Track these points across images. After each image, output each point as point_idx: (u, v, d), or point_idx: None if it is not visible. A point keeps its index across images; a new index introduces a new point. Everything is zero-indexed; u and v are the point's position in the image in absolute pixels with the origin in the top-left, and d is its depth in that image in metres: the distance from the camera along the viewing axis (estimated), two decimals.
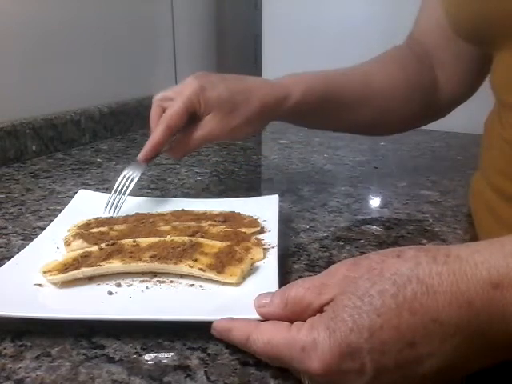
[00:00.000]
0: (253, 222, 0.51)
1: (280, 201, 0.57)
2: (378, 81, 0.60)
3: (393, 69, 0.61)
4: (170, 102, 0.55)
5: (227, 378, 0.32)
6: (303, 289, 0.32)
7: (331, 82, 0.59)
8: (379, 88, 0.60)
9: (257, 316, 0.34)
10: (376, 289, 0.28)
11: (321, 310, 0.30)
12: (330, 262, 0.47)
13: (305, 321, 0.30)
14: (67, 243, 0.46)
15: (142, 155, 0.57)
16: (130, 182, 0.56)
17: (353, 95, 0.60)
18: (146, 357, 0.34)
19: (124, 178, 0.56)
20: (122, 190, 0.56)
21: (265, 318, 0.33)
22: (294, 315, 0.31)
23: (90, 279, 0.41)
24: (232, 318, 0.34)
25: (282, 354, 0.30)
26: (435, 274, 0.27)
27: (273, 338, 0.30)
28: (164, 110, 0.55)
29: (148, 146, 0.56)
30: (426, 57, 0.60)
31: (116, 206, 0.55)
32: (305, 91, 0.56)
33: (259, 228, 0.50)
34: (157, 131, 0.55)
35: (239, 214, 0.54)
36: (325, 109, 0.59)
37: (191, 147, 0.57)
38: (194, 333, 0.36)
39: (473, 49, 0.54)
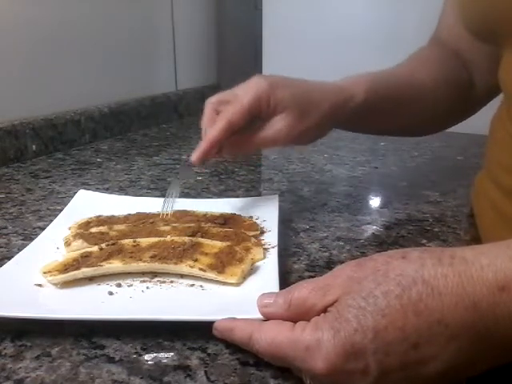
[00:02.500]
0: (252, 225, 0.51)
1: (280, 201, 0.57)
2: (422, 81, 0.58)
3: (432, 68, 0.60)
4: (226, 105, 0.51)
5: (227, 377, 0.32)
6: (307, 290, 0.32)
7: (386, 82, 0.57)
8: (425, 87, 0.58)
9: (258, 316, 0.34)
10: (381, 289, 0.28)
11: (325, 311, 0.30)
12: (329, 262, 0.48)
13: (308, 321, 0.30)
14: (67, 243, 0.46)
15: (195, 156, 0.51)
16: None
17: (405, 95, 0.58)
18: (146, 357, 0.34)
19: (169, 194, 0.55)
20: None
21: (267, 318, 0.33)
22: (298, 316, 0.31)
23: (91, 279, 0.41)
24: (234, 318, 0.34)
25: (285, 354, 0.30)
26: (440, 275, 0.27)
27: (276, 337, 0.30)
28: (218, 114, 0.51)
29: (204, 145, 0.50)
30: (457, 54, 0.59)
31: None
32: (367, 91, 0.53)
33: (258, 232, 0.50)
34: (215, 128, 0.49)
35: (239, 216, 0.54)
36: (383, 109, 0.57)
37: (254, 146, 0.52)
38: (194, 333, 0.36)
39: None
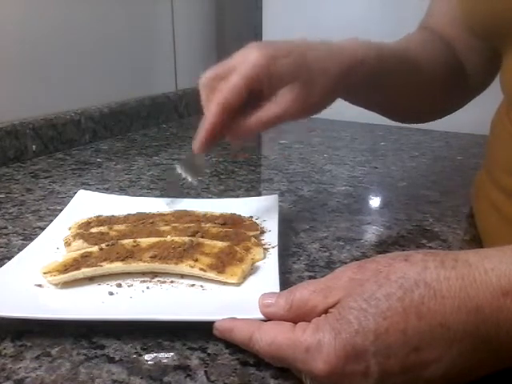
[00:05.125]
0: (252, 225, 0.51)
1: (280, 201, 0.57)
2: (422, 61, 0.55)
3: (429, 51, 0.57)
4: (221, 82, 0.45)
5: (227, 378, 0.32)
6: (308, 291, 0.32)
7: (394, 51, 0.52)
8: (425, 68, 0.55)
9: (258, 316, 0.34)
10: (382, 292, 0.28)
11: (326, 312, 0.30)
12: (329, 262, 0.48)
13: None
14: (67, 243, 0.46)
15: (196, 145, 0.47)
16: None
17: (409, 69, 0.54)
18: (146, 357, 0.34)
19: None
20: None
21: (268, 318, 0.33)
22: (299, 317, 0.31)
23: (91, 279, 0.41)
24: (234, 318, 0.34)
25: (285, 355, 0.30)
26: (443, 278, 0.27)
27: (276, 337, 0.30)
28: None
29: (202, 133, 0.46)
30: (449, 44, 0.58)
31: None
32: (376, 57, 0.48)
33: (258, 232, 0.50)
34: (210, 112, 0.45)
35: (239, 216, 0.54)
36: (391, 76, 0.52)
37: (262, 126, 0.46)
38: (193, 333, 0.36)
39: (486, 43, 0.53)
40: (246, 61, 0.44)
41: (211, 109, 0.45)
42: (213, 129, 0.45)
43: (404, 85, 0.54)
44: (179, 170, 0.49)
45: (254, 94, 0.45)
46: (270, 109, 0.45)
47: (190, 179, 0.49)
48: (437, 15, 0.61)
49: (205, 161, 0.47)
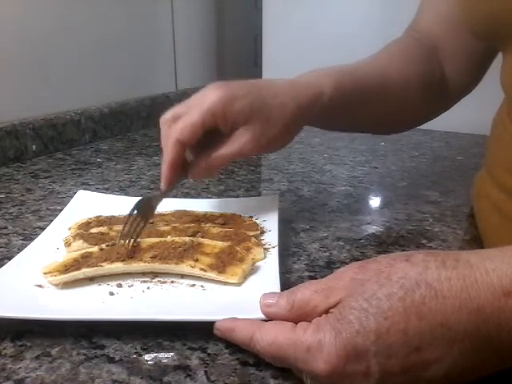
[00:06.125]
0: (252, 225, 0.51)
1: (280, 201, 0.57)
2: (392, 76, 0.56)
3: (403, 63, 0.58)
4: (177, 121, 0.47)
5: (227, 377, 0.32)
6: (310, 291, 0.32)
7: (355, 77, 0.54)
8: (394, 83, 0.56)
9: (259, 316, 0.34)
10: (383, 292, 0.28)
11: (327, 312, 0.30)
12: (329, 262, 0.48)
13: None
14: (67, 244, 0.46)
15: (162, 184, 0.49)
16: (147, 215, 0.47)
17: (373, 90, 0.55)
18: (146, 357, 0.34)
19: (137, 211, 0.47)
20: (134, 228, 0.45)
21: (269, 318, 0.33)
22: (300, 318, 0.31)
23: (91, 280, 0.41)
24: (235, 318, 0.34)
25: (286, 355, 0.30)
26: (444, 278, 0.27)
27: (277, 337, 0.30)
28: None
29: (164, 174, 0.48)
30: (433, 48, 0.59)
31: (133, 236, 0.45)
32: (335, 86, 0.50)
33: (259, 232, 0.50)
34: (166, 150, 0.47)
35: (239, 216, 0.54)
36: (352, 105, 0.53)
37: (216, 165, 0.48)
38: (193, 333, 0.36)
39: (479, 41, 0.53)
40: (202, 102, 0.46)
41: (168, 145, 0.47)
42: (172, 165, 0.47)
43: (370, 108, 0.56)
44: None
45: (214, 133, 0.47)
46: (226, 148, 0.47)
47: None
48: (425, 16, 0.61)
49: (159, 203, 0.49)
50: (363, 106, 0.55)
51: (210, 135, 0.47)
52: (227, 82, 0.48)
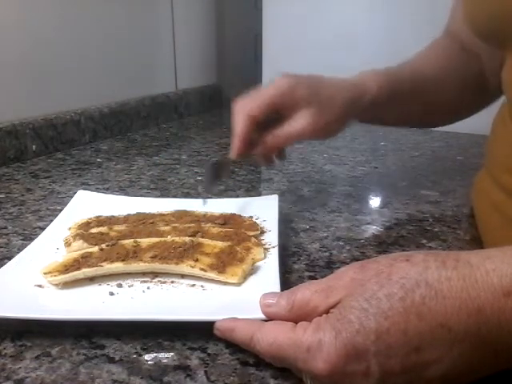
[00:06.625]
0: (253, 225, 0.51)
1: (280, 201, 0.57)
2: (432, 72, 0.60)
3: (442, 61, 0.62)
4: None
5: (227, 377, 0.32)
6: (310, 292, 0.32)
7: (398, 76, 0.59)
8: (434, 79, 0.60)
9: (259, 316, 0.34)
10: (384, 292, 0.28)
11: (327, 312, 0.30)
12: (330, 262, 0.48)
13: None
14: (67, 244, 0.46)
15: (232, 153, 0.54)
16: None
17: (414, 90, 0.60)
18: (146, 357, 0.34)
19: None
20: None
21: (269, 318, 0.33)
22: (300, 318, 0.31)
23: (91, 280, 0.41)
24: (235, 318, 0.34)
25: (286, 354, 0.30)
26: (444, 278, 0.27)
27: (277, 337, 0.30)
28: None
29: (234, 141, 0.53)
30: (467, 49, 0.61)
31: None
32: (380, 86, 0.56)
33: (259, 232, 0.50)
34: (237, 123, 0.53)
35: (239, 216, 0.54)
36: (397, 102, 0.59)
37: (279, 143, 0.55)
38: (193, 333, 0.36)
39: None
40: (272, 85, 0.53)
41: (239, 120, 0.53)
42: (242, 136, 0.53)
43: (412, 106, 0.61)
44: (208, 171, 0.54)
45: (275, 116, 0.53)
46: (289, 126, 0.53)
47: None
48: (455, 21, 0.63)
49: (230, 168, 0.55)
50: (408, 103, 0.60)
51: (270, 122, 0.54)
52: (292, 74, 0.55)
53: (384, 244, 0.52)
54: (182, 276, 0.42)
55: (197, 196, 0.66)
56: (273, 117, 0.53)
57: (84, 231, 0.48)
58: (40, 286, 0.40)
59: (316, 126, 0.53)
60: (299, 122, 0.53)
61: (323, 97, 0.53)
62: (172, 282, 0.41)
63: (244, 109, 0.53)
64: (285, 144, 0.56)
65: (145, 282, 0.41)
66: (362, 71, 0.58)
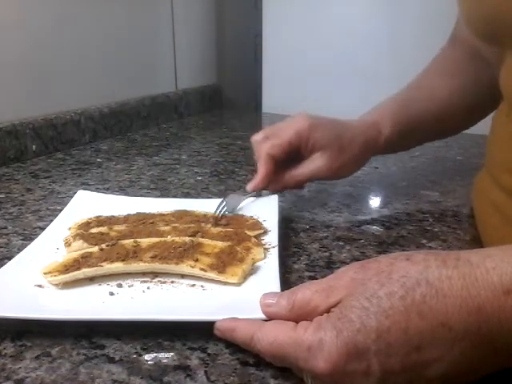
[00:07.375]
0: (255, 224, 0.51)
1: (280, 201, 0.57)
2: (446, 99, 0.62)
3: (456, 80, 0.62)
4: (269, 139, 0.56)
5: (227, 377, 0.32)
6: (310, 291, 0.32)
7: (409, 111, 0.61)
8: (449, 105, 0.62)
9: (259, 316, 0.34)
10: (384, 291, 0.28)
11: (328, 312, 0.30)
12: (330, 262, 0.48)
13: None
14: (67, 244, 0.46)
15: (250, 187, 0.57)
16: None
17: (426, 115, 0.61)
18: (146, 357, 0.34)
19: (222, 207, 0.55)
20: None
21: (270, 318, 0.33)
22: (300, 318, 0.31)
23: (91, 280, 0.41)
24: (235, 318, 0.34)
25: (287, 354, 0.30)
26: (445, 277, 0.27)
27: (278, 337, 0.30)
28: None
29: (258, 179, 0.56)
30: (477, 54, 0.60)
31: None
32: (392, 125, 0.59)
33: (262, 231, 0.50)
34: (261, 163, 0.56)
35: (242, 215, 0.54)
36: (412, 134, 0.62)
37: (295, 182, 0.58)
38: (194, 333, 0.36)
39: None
40: (292, 125, 0.56)
41: (261, 159, 0.56)
42: (264, 176, 0.56)
43: (425, 132, 0.63)
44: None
45: (295, 153, 0.56)
46: (305, 167, 0.57)
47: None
48: (464, 27, 0.61)
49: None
50: (420, 135, 0.64)
51: (287, 162, 0.57)
52: (312, 115, 0.57)
53: (384, 244, 0.52)
54: (182, 276, 0.42)
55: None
56: (291, 156, 0.56)
57: (84, 231, 0.48)
58: (40, 286, 0.40)
59: (331, 167, 0.56)
60: (315, 163, 0.56)
61: (340, 141, 0.56)
62: (172, 281, 0.41)
63: (265, 148, 0.55)
64: (300, 184, 0.59)
65: (145, 281, 0.41)
66: (375, 107, 0.61)
